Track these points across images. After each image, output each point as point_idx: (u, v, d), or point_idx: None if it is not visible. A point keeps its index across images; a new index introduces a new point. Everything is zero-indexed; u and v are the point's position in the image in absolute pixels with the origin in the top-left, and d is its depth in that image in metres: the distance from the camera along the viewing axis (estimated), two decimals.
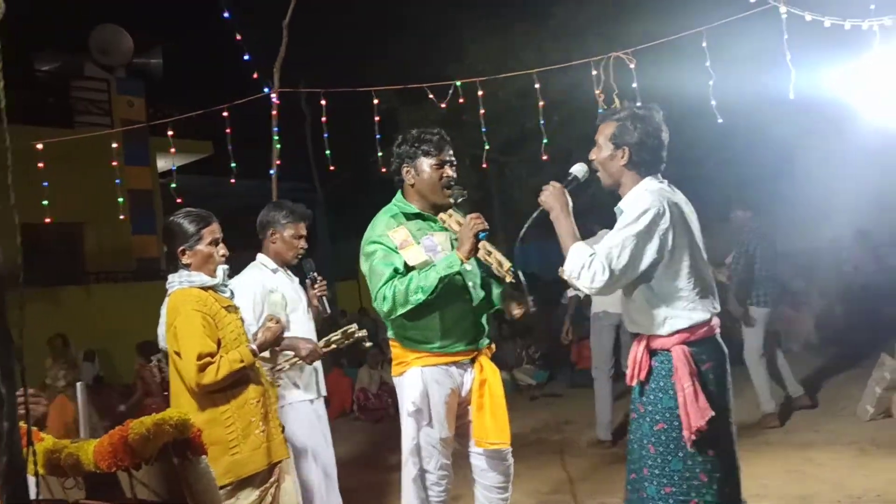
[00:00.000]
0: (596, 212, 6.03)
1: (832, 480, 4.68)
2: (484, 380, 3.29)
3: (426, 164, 3.29)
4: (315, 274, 4.01)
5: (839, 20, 5.21)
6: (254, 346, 3.09)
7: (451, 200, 3.34)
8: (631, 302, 2.80)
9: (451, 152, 3.34)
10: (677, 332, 2.69)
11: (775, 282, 6.44)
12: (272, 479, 3.06)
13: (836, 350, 8.21)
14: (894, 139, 5.69)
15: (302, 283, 4.03)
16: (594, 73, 5.78)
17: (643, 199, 2.69)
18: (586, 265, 2.61)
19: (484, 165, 6.82)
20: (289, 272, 3.96)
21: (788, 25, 5.19)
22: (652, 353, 2.73)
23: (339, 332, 3.89)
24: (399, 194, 3.42)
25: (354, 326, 3.96)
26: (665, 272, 2.69)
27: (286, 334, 3.53)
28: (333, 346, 3.87)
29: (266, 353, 3.38)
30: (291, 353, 3.70)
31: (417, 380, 3.23)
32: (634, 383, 2.80)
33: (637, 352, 2.77)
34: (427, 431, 3.23)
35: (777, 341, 6.67)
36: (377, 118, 6.20)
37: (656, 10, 9.35)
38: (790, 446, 5.56)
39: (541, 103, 6.25)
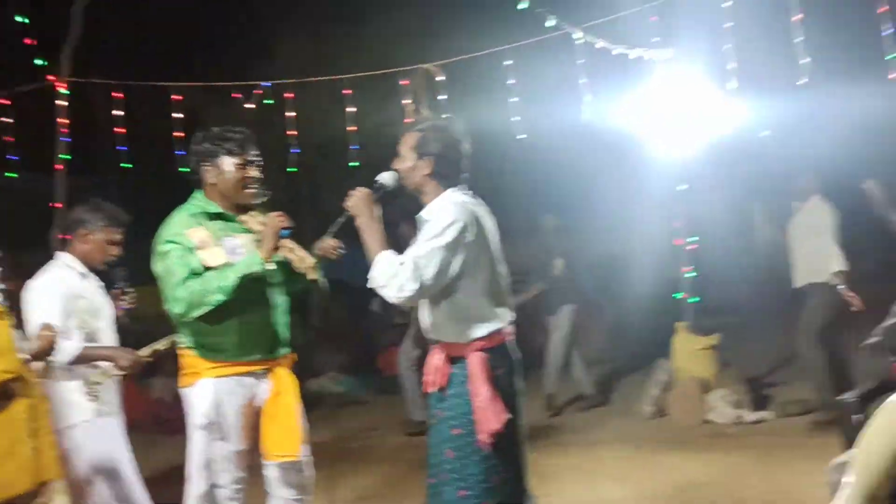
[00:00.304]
0: (408, 221, 6.14)
1: (616, 476, 5.03)
2: (279, 391, 3.19)
3: (229, 162, 3.13)
4: (125, 284, 3.72)
5: (625, 49, 5.68)
6: (26, 356, 2.81)
7: (254, 201, 3.23)
8: (433, 312, 2.84)
9: (255, 152, 3.20)
10: (476, 339, 2.76)
11: (577, 285, 6.93)
12: (40, 500, 2.80)
13: (627, 353, 8.86)
14: (673, 160, 6.21)
15: (108, 290, 3.73)
16: (402, 82, 5.89)
17: (449, 211, 2.74)
18: (394, 275, 2.62)
19: (293, 169, 6.69)
20: (95, 277, 3.66)
21: (584, 52, 5.57)
22: (451, 360, 2.80)
23: (166, 339, 3.62)
24: (199, 193, 3.23)
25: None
26: (467, 283, 2.75)
27: (93, 344, 3.33)
28: (152, 356, 3.62)
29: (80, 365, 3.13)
30: (107, 364, 3.43)
31: (209, 391, 3.08)
32: (433, 390, 2.84)
33: (437, 359, 2.83)
34: (220, 445, 3.09)
35: (575, 342, 7.11)
36: (181, 115, 5.94)
37: (469, 27, 9.61)
38: (580, 445, 5.90)
39: (353, 109, 6.27)
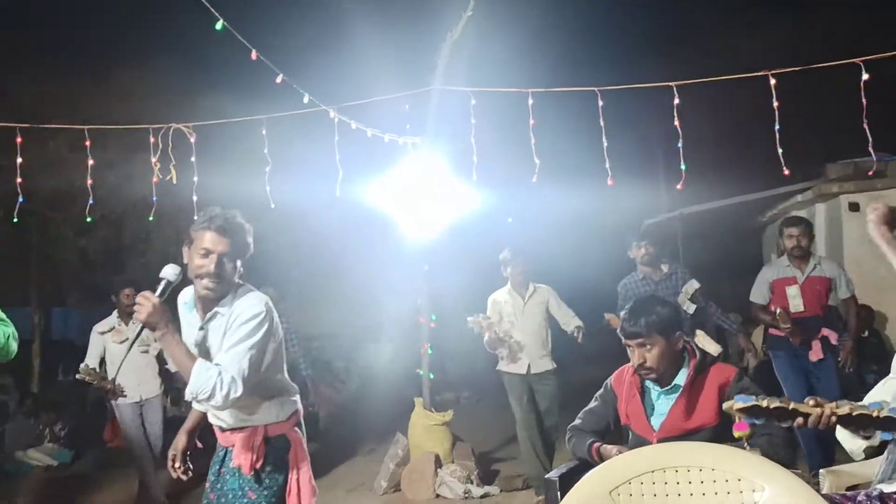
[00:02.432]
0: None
1: None
2: None
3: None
4: None
5: (380, 132, 5.93)
6: None
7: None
8: (245, 401, 2.71)
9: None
10: (293, 414, 2.89)
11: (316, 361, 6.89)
12: None
13: (368, 426, 8.91)
14: (419, 240, 6.50)
15: None
16: (152, 140, 5.66)
17: (253, 304, 2.72)
18: (219, 383, 2.53)
19: (15, 220, 6.09)
20: None
21: (340, 130, 5.72)
22: (267, 440, 2.81)
23: None
24: None
25: None
26: (273, 366, 2.82)
27: None
28: None
29: None
30: None
31: None
32: (250, 473, 2.78)
33: (254, 442, 2.78)
34: None
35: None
36: None
37: (226, 88, 9.53)
38: None
39: (91, 161, 5.89)
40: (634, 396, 3.06)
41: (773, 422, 2.26)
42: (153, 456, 5.89)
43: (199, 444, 3.11)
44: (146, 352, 5.90)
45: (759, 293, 5.65)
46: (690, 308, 5.58)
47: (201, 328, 2.78)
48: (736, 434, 2.51)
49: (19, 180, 5.75)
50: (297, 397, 2.96)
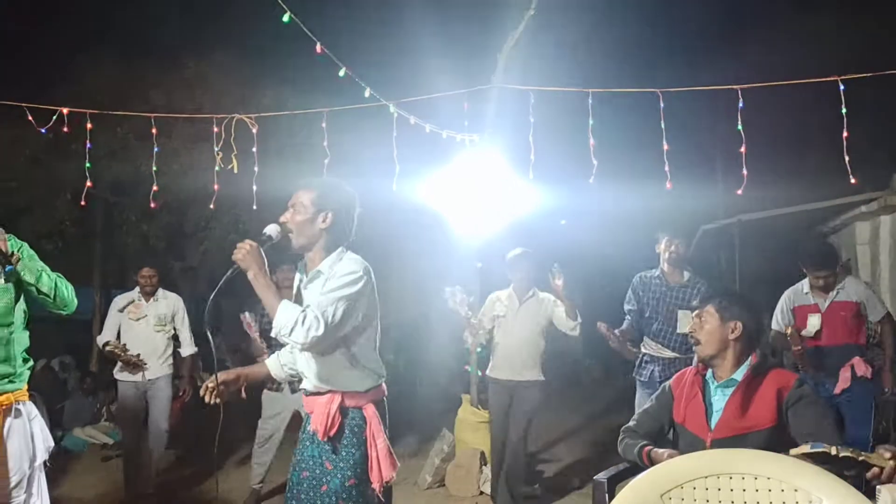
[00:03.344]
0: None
1: None
2: None
3: None
4: None
5: (438, 129, 5.95)
6: None
7: None
8: (327, 361, 2.86)
9: None
10: (371, 389, 2.91)
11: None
12: None
13: (414, 421, 8.95)
14: (473, 237, 6.51)
15: None
16: (216, 129, 5.79)
17: (352, 264, 2.85)
18: (300, 321, 2.65)
19: (82, 203, 6.30)
20: None
21: (398, 125, 5.77)
22: (343, 411, 2.86)
23: None
24: None
25: None
26: (363, 335, 2.90)
27: None
28: None
29: None
30: None
31: None
32: (325, 439, 2.85)
33: (330, 409, 2.84)
34: None
35: None
36: None
37: (289, 80, 9.69)
38: None
39: (156, 149, 6.06)
40: (696, 395, 3.04)
41: (841, 471, 2.22)
42: (149, 441, 5.84)
43: (244, 395, 3.21)
44: (161, 331, 5.93)
45: (780, 319, 5.21)
46: (681, 328, 4.97)
47: (305, 287, 2.93)
48: None
49: (88, 165, 5.95)
50: (382, 379, 2.99)
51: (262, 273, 2.73)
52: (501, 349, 5.56)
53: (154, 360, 5.87)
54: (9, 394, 3.15)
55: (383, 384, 3.00)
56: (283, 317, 2.68)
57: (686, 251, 5.34)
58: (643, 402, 4.53)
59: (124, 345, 5.78)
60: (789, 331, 4.98)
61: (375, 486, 2.82)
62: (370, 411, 2.89)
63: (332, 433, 2.83)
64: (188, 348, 6.16)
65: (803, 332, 5.01)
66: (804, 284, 5.18)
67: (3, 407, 3.14)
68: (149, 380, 5.83)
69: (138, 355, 5.74)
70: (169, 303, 6.06)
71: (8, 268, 3.09)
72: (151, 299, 5.96)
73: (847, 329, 4.97)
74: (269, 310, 2.73)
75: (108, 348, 5.74)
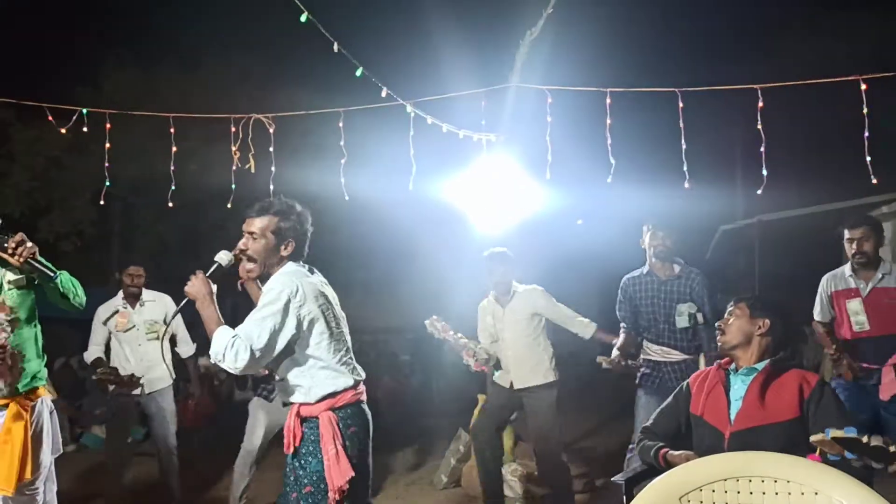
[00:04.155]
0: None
1: None
2: (10, 427, 3.19)
3: None
4: None
5: (455, 128, 5.94)
6: None
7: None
8: (283, 375, 2.97)
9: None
10: (322, 398, 2.92)
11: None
12: None
13: (429, 421, 8.96)
14: (488, 237, 6.49)
15: None
16: (233, 129, 5.81)
17: (278, 281, 2.91)
18: (229, 346, 2.76)
19: (101, 202, 6.34)
20: None
21: (414, 124, 5.76)
22: (303, 420, 2.93)
23: None
24: None
25: None
26: (304, 345, 2.92)
27: None
28: None
29: None
30: None
31: None
32: (290, 451, 2.95)
33: (290, 420, 2.95)
34: None
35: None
36: None
37: (305, 80, 9.74)
38: None
39: (174, 149, 6.08)
40: (717, 386, 3.03)
41: (869, 462, 2.21)
42: (162, 462, 5.42)
43: None
44: (153, 338, 5.35)
45: (819, 309, 4.68)
46: (681, 322, 4.68)
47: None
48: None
49: (107, 165, 5.98)
50: (343, 383, 2.95)
51: (207, 301, 2.89)
52: (503, 360, 5.18)
53: (152, 373, 5.30)
54: (37, 389, 3.31)
55: (352, 389, 2.98)
56: (216, 344, 2.81)
57: (674, 243, 4.83)
58: (651, 409, 4.37)
59: (115, 369, 5.21)
60: (822, 330, 4.60)
61: (331, 494, 2.83)
62: (324, 419, 2.90)
63: (296, 443, 2.93)
64: (187, 348, 5.70)
65: (854, 328, 4.44)
66: (846, 268, 4.61)
67: (32, 403, 3.27)
68: (148, 394, 5.29)
69: (132, 375, 5.18)
70: (157, 305, 5.46)
71: (55, 276, 3.19)
72: (137, 304, 5.39)
73: (893, 319, 4.36)
74: (209, 335, 2.84)
75: (98, 374, 5.20)
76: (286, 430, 2.98)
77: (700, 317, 4.66)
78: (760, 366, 2.97)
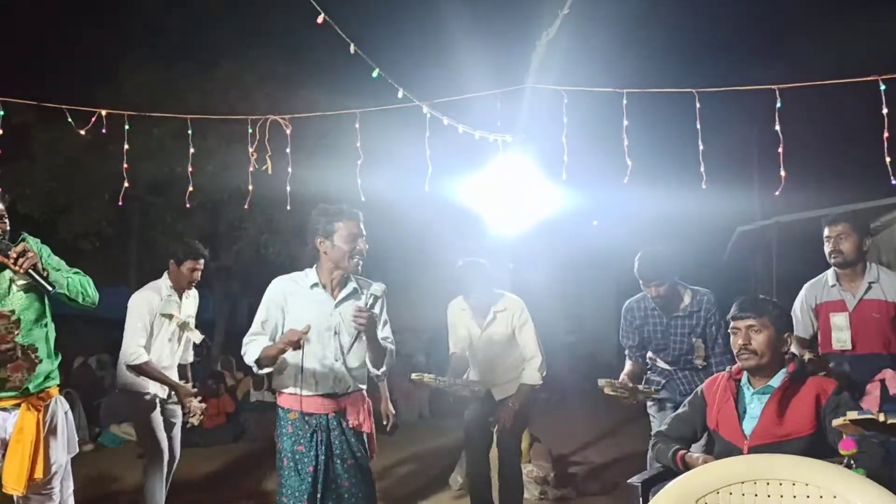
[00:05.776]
0: None
1: None
2: (22, 426, 3.22)
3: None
4: None
5: (471, 129, 5.94)
6: None
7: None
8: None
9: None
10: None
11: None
12: None
13: (447, 422, 8.97)
14: (505, 237, 6.51)
15: None
16: (250, 130, 5.84)
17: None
18: None
19: (119, 203, 6.40)
20: None
21: (430, 125, 5.76)
22: None
23: None
24: None
25: None
26: None
27: None
28: None
29: None
30: None
31: None
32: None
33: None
34: None
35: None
36: None
37: (322, 82, 9.77)
38: None
39: (192, 149, 6.14)
40: (728, 401, 2.99)
41: (887, 437, 2.29)
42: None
43: None
44: (185, 334, 4.85)
45: (801, 324, 4.10)
46: (698, 361, 4.41)
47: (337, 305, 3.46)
48: (842, 452, 2.43)
49: (125, 166, 6.03)
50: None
51: (372, 333, 3.44)
52: (481, 374, 4.89)
53: (176, 373, 4.80)
54: (50, 388, 3.33)
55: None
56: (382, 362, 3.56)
57: (669, 290, 4.34)
58: (665, 411, 4.39)
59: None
60: (801, 350, 3.94)
61: None
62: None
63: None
64: (189, 354, 5.03)
65: (835, 345, 4.01)
66: (828, 276, 4.16)
67: (45, 403, 3.29)
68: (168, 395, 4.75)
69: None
70: (191, 301, 4.92)
71: (53, 290, 3.19)
72: (183, 297, 4.80)
73: (881, 336, 3.94)
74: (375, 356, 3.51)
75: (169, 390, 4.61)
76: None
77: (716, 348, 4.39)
78: (777, 382, 2.91)
